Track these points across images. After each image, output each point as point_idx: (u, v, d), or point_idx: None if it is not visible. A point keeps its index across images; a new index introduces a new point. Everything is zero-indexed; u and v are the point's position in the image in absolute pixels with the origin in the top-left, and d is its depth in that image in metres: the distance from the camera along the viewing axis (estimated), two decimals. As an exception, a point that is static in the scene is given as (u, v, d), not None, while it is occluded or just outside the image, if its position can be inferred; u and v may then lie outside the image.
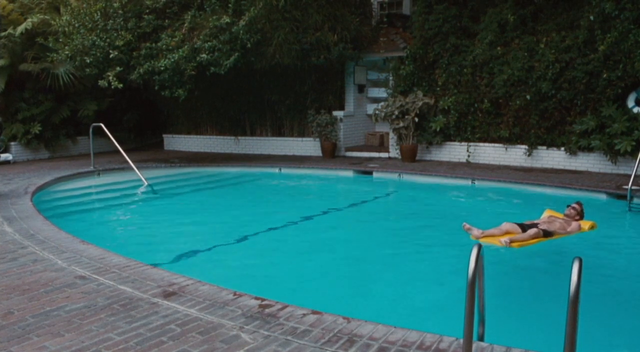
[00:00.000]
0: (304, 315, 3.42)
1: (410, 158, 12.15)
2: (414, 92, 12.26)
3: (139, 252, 5.57)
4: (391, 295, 4.89)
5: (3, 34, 12.70)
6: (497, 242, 6.04)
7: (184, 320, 3.37)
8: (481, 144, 11.83)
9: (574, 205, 6.75)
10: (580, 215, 6.68)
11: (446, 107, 11.88)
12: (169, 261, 5.62)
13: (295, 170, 11.70)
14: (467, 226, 6.32)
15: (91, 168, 10.88)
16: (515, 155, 11.44)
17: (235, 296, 3.77)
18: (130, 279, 4.17)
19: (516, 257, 5.92)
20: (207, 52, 10.48)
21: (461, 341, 2.72)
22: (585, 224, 6.59)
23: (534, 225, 6.34)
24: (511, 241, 6.00)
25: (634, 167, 8.16)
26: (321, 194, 10.53)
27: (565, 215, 6.71)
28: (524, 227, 6.27)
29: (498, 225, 6.36)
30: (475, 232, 6.26)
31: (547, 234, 6.25)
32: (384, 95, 13.45)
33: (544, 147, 11.05)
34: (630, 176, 8.18)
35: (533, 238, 6.13)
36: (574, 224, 6.53)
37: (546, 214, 6.84)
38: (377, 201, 9.44)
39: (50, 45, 11.87)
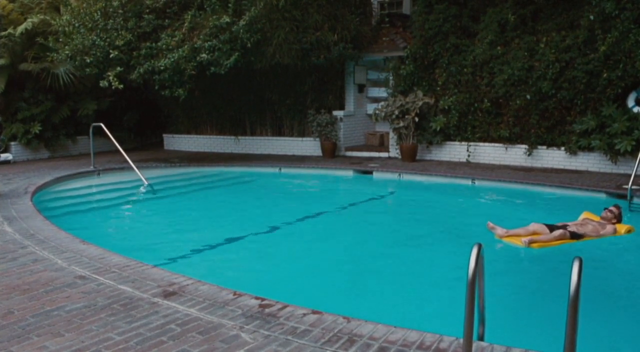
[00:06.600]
0: (304, 315, 3.42)
1: (410, 158, 12.15)
2: (414, 92, 12.26)
3: (139, 252, 5.56)
4: (391, 295, 4.89)
5: (3, 33, 12.69)
6: (519, 242, 5.98)
7: (184, 320, 3.37)
8: (481, 143, 11.82)
9: (612, 208, 6.62)
10: (618, 218, 6.54)
11: (446, 107, 11.88)
12: (169, 261, 5.61)
13: (296, 170, 11.70)
14: (491, 224, 6.26)
15: (91, 168, 10.87)
16: (515, 155, 11.44)
17: (235, 296, 3.77)
18: (130, 279, 4.17)
19: (521, 257, 5.91)
20: (207, 52, 10.47)
21: (461, 340, 2.72)
22: (622, 228, 6.48)
23: (564, 226, 6.22)
24: (531, 241, 5.91)
25: (634, 166, 8.15)
26: (321, 194, 10.53)
27: (602, 218, 6.58)
28: (552, 228, 6.15)
29: (525, 225, 6.27)
30: (500, 231, 6.20)
31: (575, 236, 6.13)
32: (384, 95, 13.44)
33: (544, 147, 11.04)
34: (630, 175, 8.18)
35: (558, 239, 6.02)
36: (609, 227, 6.40)
37: (583, 216, 6.75)
38: (377, 200, 9.44)
39: (50, 45, 11.87)
